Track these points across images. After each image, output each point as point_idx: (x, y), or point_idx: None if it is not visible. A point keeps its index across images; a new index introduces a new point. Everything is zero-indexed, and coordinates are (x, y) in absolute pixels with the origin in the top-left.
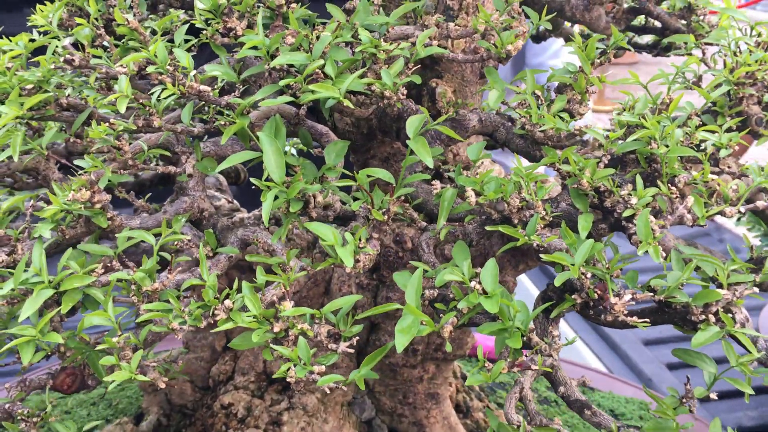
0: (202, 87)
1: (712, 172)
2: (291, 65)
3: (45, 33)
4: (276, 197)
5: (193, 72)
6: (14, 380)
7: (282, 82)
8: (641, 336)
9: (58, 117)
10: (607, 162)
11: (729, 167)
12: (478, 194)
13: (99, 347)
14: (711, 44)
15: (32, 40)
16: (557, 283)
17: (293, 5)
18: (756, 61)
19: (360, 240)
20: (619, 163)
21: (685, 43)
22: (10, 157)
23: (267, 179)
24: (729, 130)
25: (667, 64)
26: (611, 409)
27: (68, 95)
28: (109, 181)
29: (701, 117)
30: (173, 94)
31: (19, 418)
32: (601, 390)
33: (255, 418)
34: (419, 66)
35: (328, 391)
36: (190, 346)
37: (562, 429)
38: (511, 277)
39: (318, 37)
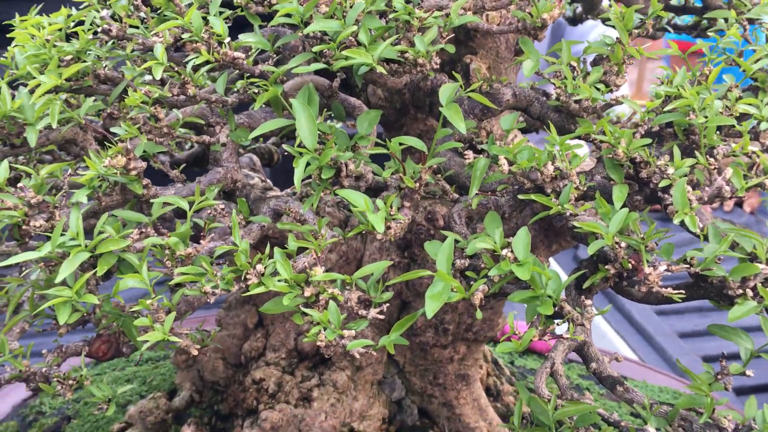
0: (236, 54)
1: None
2: (325, 34)
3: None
4: (308, 164)
5: (228, 39)
6: None
7: (315, 48)
8: (677, 329)
9: (96, 89)
10: (643, 133)
11: None
12: (510, 163)
13: (132, 308)
14: (753, 20)
15: (70, 16)
16: (590, 251)
17: None
18: None
19: (391, 207)
20: (656, 137)
21: (726, 20)
22: (48, 127)
23: (299, 145)
24: None
25: None
26: None
27: (105, 66)
28: (144, 152)
29: (742, 94)
30: (208, 62)
31: (54, 380)
32: (634, 379)
33: (285, 394)
34: (453, 36)
35: (357, 360)
36: (222, 324)
37: (594, 403)
38: (543, 257)
39: (351, 6)
